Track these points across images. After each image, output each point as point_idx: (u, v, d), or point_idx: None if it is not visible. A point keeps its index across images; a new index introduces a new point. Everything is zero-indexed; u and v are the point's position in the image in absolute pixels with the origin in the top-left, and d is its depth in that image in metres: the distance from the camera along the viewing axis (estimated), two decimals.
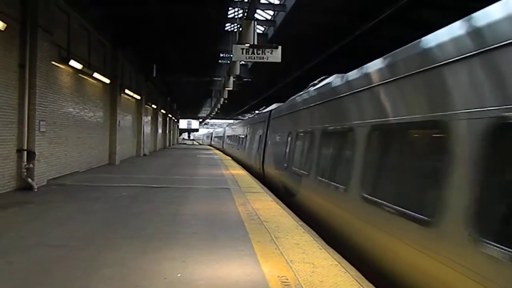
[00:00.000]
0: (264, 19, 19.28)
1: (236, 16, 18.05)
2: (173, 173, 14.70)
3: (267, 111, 16.04)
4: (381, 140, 5.08)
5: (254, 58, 11.07)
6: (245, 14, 12.66)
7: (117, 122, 17.88)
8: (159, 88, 30.79)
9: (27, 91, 9.42)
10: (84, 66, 13.14)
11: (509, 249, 2.67)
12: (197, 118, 72.16)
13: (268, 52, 10.91)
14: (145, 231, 5.90)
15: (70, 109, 12.89)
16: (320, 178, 7.08)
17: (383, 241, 4.46)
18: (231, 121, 58.35)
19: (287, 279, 3.98)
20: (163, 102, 35.10)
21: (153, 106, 29.40)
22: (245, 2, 14.06)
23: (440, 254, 3.38)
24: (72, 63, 12.19)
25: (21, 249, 4.91)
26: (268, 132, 14.36)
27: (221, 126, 64.60)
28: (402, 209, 4.06)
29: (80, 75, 13.50)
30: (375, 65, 5.36)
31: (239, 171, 16.02)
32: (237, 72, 17.83)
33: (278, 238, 5.54)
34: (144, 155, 24.63)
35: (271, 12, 18.40)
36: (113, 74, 17.22)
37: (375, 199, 4.72)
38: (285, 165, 10.33)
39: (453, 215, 3.29)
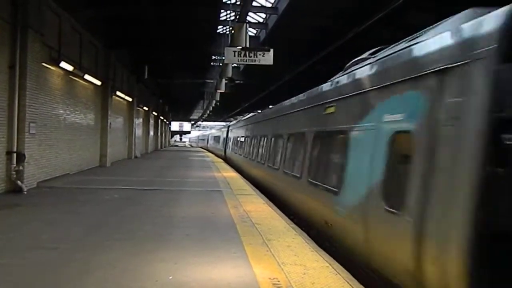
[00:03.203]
0: (256, 22, 19.34)
1: (228, 19, 18.07)
2: (165, 175, 14.67)
3: (207, 134, 62.73)
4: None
5: (246, 61, 11.10)
6: (237, 16, 12.70)
7: (108, 124, 17.76)
8: (151, 90, 30.69)
9: (17, 92, 9.34)
10: (75, 67, 13.04)
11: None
12: (189, 120, 71.96)
13: (260, 55, 10.95)
14: (137, 233, 5.89)
15: (61, 111, 12.78)
16: (218, 147, 35.57)
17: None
18: (224, 123, 58.41)
19: (278, 281, 4.00)
20: (155, 104, 35.00)
21: (145, 108, 29.30)
22: (237, 4, 14.10)
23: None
24: (63, 64, 12.09)
25: (12, 251, 4.87)
26: (209, 138, 51.46)
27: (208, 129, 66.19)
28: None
29: (71, 76, 13.39)
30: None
31: (231, 174, 16.02)
32: (229, 74, 17.87)
33: (270, 240, 5.56)
34: (136, 157, 24.49)
35: (263, 15, 18.47)
36: (104, 75, 17.13)
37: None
38: (216, 146, 38.55)
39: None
